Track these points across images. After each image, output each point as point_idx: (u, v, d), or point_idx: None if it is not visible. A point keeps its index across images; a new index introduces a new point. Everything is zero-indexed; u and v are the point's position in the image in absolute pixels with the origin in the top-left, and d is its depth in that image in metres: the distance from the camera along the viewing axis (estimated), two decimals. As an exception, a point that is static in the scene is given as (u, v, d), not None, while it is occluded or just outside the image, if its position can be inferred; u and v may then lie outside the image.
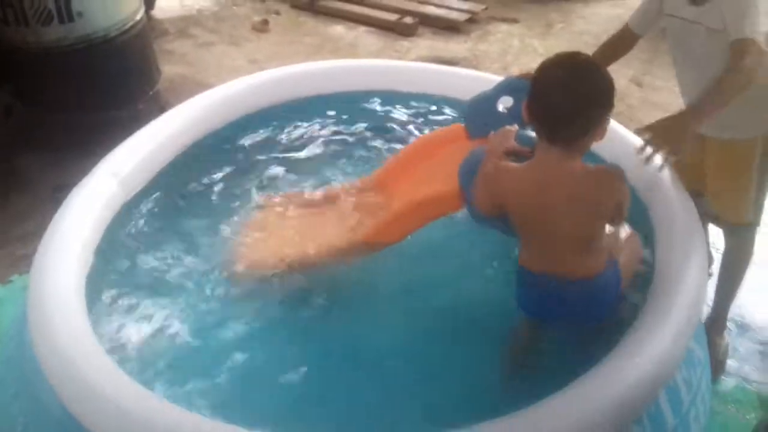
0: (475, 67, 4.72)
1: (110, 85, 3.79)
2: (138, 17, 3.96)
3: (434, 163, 2.55)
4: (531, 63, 4.88)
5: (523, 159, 2.04)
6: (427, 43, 5.23)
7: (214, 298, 2.31)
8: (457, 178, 2.21)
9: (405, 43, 5.20)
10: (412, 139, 2.90)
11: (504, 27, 5.51)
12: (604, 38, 2.53)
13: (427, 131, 2.79)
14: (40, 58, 3.63)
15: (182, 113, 2.82)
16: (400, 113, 3.17)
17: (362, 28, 5.43)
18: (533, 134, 1.99)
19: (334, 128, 3.09)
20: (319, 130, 3.08)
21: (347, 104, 3.14)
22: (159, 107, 3.93)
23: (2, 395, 2.00)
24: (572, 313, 2.04)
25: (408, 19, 5.41)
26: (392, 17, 5.46)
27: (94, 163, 2.47)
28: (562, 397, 1.73)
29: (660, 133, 2.03)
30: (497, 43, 5.25)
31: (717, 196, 2.46)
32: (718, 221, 2.54)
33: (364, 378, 2.07)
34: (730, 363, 2.70)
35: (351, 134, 3.07)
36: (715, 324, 2.65)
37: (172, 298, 2.29)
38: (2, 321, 2.66)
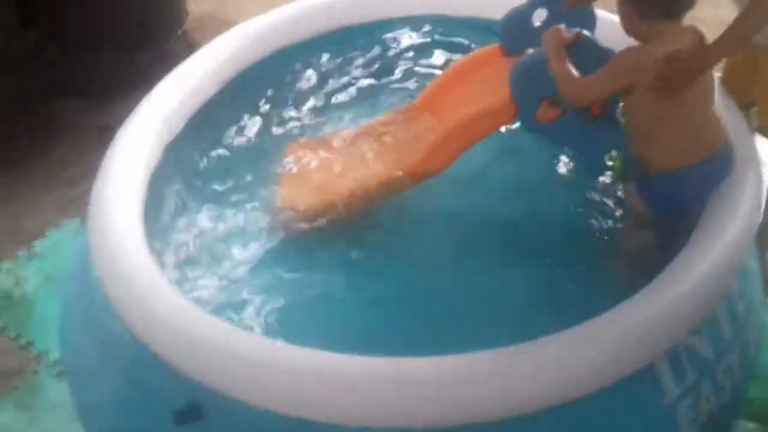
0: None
1: (141, 25, 3.77)
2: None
3: (474, 83, 2.52)
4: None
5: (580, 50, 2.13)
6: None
7: (265, 232, 2.35)
8: (501, 93, 2.18)
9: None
10: (449, 64, 2.84)
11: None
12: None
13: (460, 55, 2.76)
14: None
15: (217, 49, 2.80)
16: (433, 40, 3.13)
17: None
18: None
19: (368, 59, 3.03)
20: (355, 62, 3.03)
21: (377, 34, 3.06)
22: (188, 46, 3.90)
23: (73, 332, 2.08)
24: (700, 195, 2.07)
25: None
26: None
27: (134, 104, 2.46)
28: (621, 309, 1.76)
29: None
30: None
31: (769, 105, 2.42)
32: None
33: (419, 315, 2.10)
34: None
35: (386, 64, 3.01)
36: (766, 238, 2.63)
37: (223, 231, 2.34)
38: (59, 262, 2.73)
